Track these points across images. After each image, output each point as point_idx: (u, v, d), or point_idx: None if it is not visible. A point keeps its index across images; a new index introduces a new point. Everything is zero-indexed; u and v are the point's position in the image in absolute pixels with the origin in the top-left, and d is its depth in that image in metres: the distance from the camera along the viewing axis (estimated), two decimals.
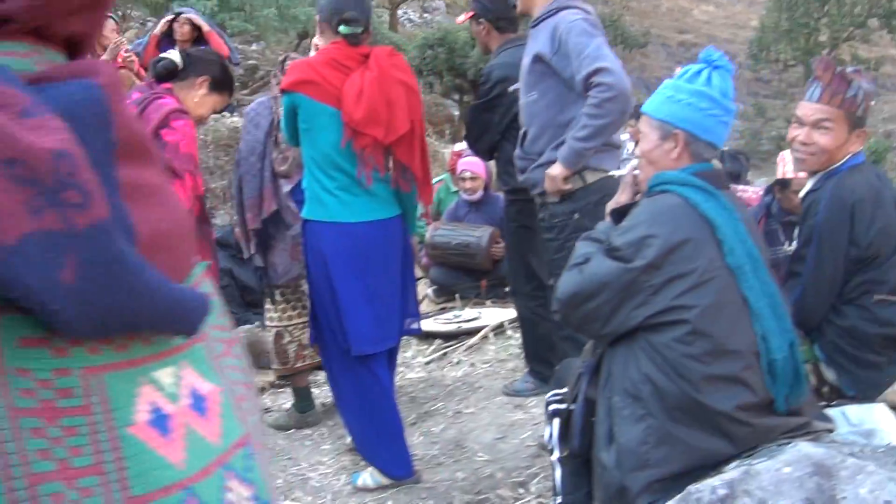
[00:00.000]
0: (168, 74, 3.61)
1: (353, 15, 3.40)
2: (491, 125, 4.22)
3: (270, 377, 4.80)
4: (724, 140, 2.54)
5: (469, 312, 5.71)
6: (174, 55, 3.67)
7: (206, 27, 6.55)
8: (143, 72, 6.52)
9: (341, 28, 3.38)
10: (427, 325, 5.43)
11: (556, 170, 3.38)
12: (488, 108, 4.23)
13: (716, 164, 2.62)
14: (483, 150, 4.44)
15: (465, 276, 5.99)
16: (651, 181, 2.49)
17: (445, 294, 6.09)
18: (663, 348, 2.23)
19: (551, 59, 3.43)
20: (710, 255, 2.28)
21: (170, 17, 6.72)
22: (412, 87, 3.53)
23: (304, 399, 4.39)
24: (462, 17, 4.53)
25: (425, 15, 17.14)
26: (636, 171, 2.61)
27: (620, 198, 2.66)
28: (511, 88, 4.02)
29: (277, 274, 4.16)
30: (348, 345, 3.45)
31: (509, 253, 4.45)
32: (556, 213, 3.52)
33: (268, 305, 4.32)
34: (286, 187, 4.12)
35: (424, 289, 6.21)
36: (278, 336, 4.27)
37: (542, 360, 4.22)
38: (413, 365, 5.11)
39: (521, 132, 3.70)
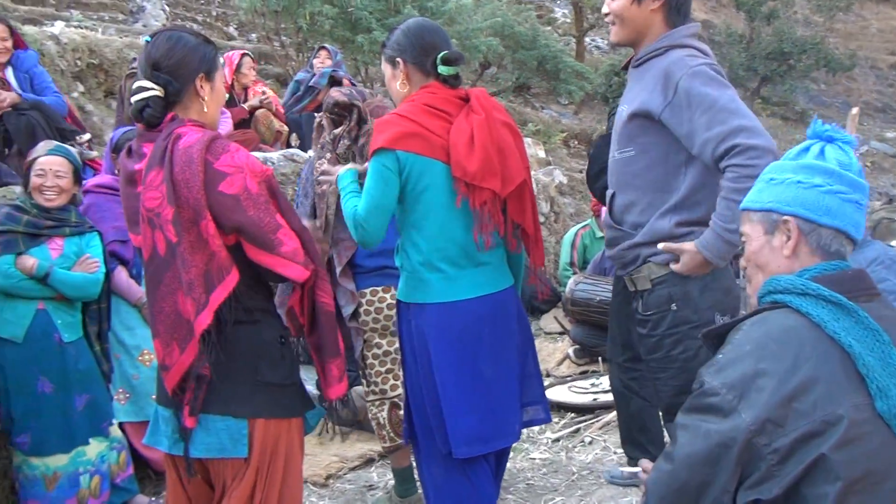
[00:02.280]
0: None
1: (454, 54, 2.80)
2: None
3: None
4: (860, 226, 1.75)
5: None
6: None
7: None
8: (281, 110, 6.16)
9: (442, 69, 2.77)
10: (560, 393, 4.70)
11: (694, 260, 2.58)
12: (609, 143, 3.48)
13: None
14: (599, 189, 3.63)
15: None
16: (761, 290, 1.75)
17: (588, 355, 5.30)
18: None
19: (661, 113, 2.63)
20: (854, 401, 1.54)
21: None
22: (516, 130, 2.88)
23: (404, 481, 3.75)
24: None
25: None
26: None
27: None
28: None
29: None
30: (448, 446, 2.78)
31: (611, 313, 3.65)
32: (650, 304, 2.74)
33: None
34: (338, 269, 3.54)
35: (566, 347, 5.45)
36: (368, 410, 3.68)
37: (634, 442, 3.43)
38: (539, 441, 4.36)
39: (609, 194, 2.91)
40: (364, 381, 3.64)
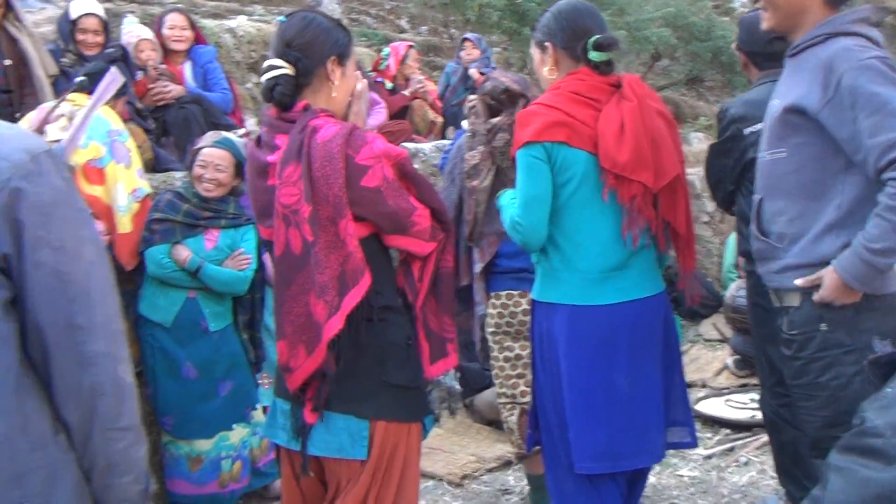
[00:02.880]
0: None
1: (607, 38, 2.54)
2: (725, 172, 3.09)
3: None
4: None
5: None
6: None
7: None
8: (438, 102, 6.06)
9: (593, 55, 2.52)
10: (715, 407, 4.35)
11: (833, 284, 2.23)
12: (723, 152, 3.11)
13: None
14: (720, 199, 3.31)
15: None
16: None
17: (749, 367, 4.87)
18: None
19: (819, 111, 2.25)
20: None
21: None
22: (671, 119, 2.61)
23: (539, 489, 3.52)
24: (734, 45, 3.40)
25: None
26: None
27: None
28: (748, 130, 2.94)
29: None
30: (570, 458, 2.55)
31: (752, 328, 3.24)
32: (795, 322, 2.36)
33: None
34: (477, 266, 3.33)
35: (725, 357, 5.04)
36: (522, 412, 3.47)
37: (789, 474, 3.07)
38: (689, 458, 4.02)
39: (756, 200, 2.53)
40: (496, 384, 3.45)
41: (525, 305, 3.27)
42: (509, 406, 3.40)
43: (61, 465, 1.42)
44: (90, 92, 3.62)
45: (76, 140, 3.41)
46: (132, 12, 6.50)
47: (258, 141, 2.17)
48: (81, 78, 3.83)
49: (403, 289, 2.18)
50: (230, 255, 3.61)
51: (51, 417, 1.42)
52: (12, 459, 1.36)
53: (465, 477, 3.89)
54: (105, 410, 1.45)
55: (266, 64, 2.10)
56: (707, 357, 5.32)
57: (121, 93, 3.92)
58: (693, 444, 2.76)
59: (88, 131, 3.51)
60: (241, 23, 7.76)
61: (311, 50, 2.10)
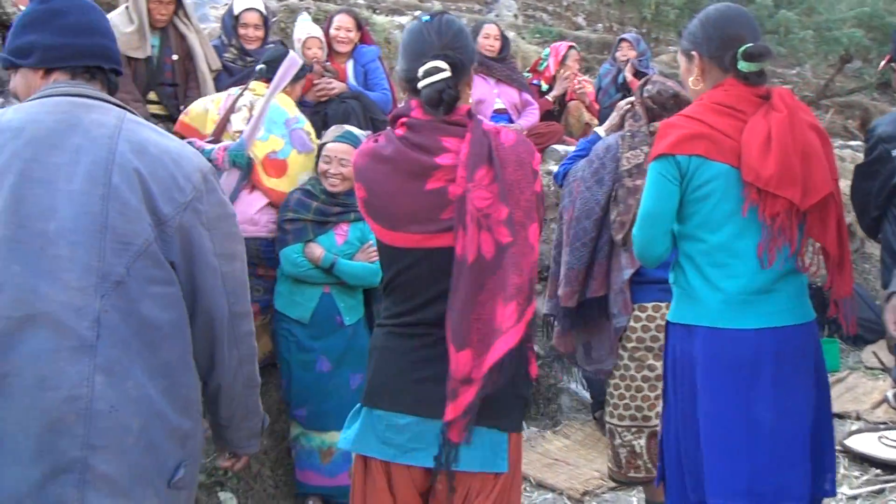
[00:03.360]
0: None
1: (759, 47, 2.35)
2: (870, 196, 2.79)
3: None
4: None
5: None
6: None
7: None
8: (596, 105, 5.91)
9: (742, 65, 2.34)
10: (866, 443, 4.03)
11: None
12: (868, 174, 2.81)
13: None
14: (865, 226, 3.05)
15: None
16: None
17: None
18: None
19: None
20: None
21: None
22: (825, 134, 2.41)
23: None
24: (882, 63, 3.08)
25: None
26: None
27: None
28: None
29: (590, 358, 3.25)
30: (699, 495, 2.40)
31: None
32: None
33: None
34: (627, 272, 3.17)
35: (886, 388, 4.64)
36: (611, 434, 3.36)
37: None
38: (834, 496, 3.71)
39: None
40: (615, 403, 3.32)
41: (658, 319, 3.15)
42: (634, 430, 3.27)
43: (200, 431, 1.81)
44: (269, 80, 3.79)
45: (256, 131, 3.57)
46: (308, 9, 6.77)
47: (411, 143, 2.02)
48: (261, 66, 3.97)
49: None
50: (360, 248, 3.67)
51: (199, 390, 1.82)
52: (177, 426, 1.72)
53: (585, 493, 3.80)
54: (248, 373, 1.92)
55: (430, 66, 1.98)
56: (866, 387, 4.91)
57: (299, 76, 4.03)
58: (832, 492, 2.52)
59: (267, 123, 3.65)
60: (405, 20, 7.91)
61: (466, 53, 2.06)
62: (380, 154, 2.04)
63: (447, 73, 1.97)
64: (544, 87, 5.95)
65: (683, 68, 2.53)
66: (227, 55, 4.62)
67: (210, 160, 3.41)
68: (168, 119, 4.44)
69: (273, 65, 3.85)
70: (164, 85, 4.45)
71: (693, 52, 2.46)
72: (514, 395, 2.03)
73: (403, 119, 2.04)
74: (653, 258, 2.47)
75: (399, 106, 2.15)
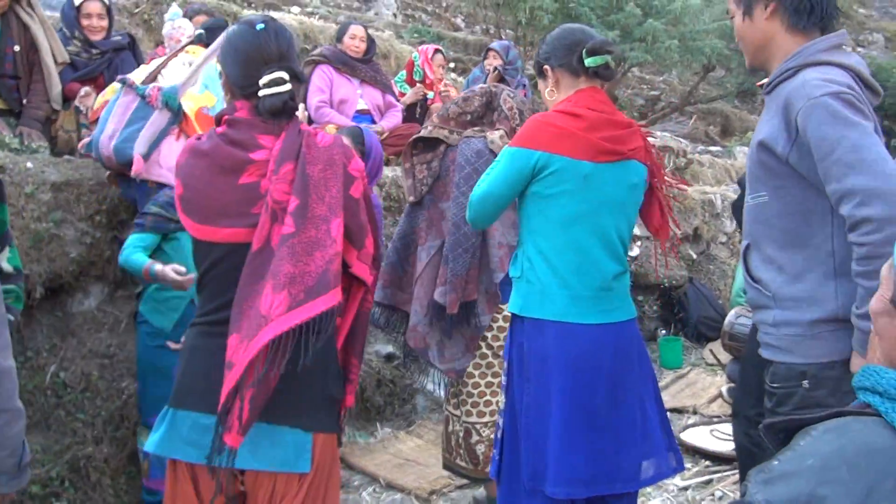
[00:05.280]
0: None
1: (598, 42, 2.54)
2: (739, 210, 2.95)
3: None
4: None
5: None
6: None
7: None
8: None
9: (589, 61, 2.52)
10: (698, 436, 4.20)
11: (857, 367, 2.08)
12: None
13: None
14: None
15: None
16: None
17: None
18: None
19: (787, 154, 2.09)
20: None
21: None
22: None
23: None
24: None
25: (859, 49, 14.61)
26: None
27: None
28: None
29: (443, 357, 3.29)
30: (537, 482, 2.46)
31: (743, 358, 3.04)
32: (778, 375, 2.19)
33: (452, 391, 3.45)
34: (499, 275, 3.22)
35: (721, 384, 4.86)
36: (467, 432, 3.40)
37: None
38: (664, 488, 3.88)
39: (743, 246, 2.34)
40: (474, 401, 3.36)
41: None
42: (492, 424, 3.31)
43: None
44: (206, 45, 3.77)
45: (192, 81, 3.49)
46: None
47: (229, 140, 2.03)
48: (200, 31, 3.94)
49: None
50: None
51: None
52: None
53: (433, 493, 3.82)
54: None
55: (276, 76, 1.99)
56: (705, 382, 5.14)
57: None
58: (679, 468, 2.66)
59: (205, 80, 3.57)
60: (283, 16, 7.79)
61: (297, 62, 2.11)
62: (199, 149, 2.05)
63: (289, 86, 2.01)
64: (430, 94, 5.94)
65: (541, 87, 2.66)
66: (70, 48, 4.40)
67: (143, 96, 3.42)
68: (9, 113, 4.22)
69: (212, 33, 3.80)
70: (5, 77, 4.20)
71: (545, 67, 2.61)
72: (322, 395, 2.03)
73: (226, 117, 2.07)
74: (481, 227, 2.78)
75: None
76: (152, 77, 3.59)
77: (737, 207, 3.22)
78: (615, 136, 2.49)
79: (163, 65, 3.66)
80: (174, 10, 5.17)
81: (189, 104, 3.51)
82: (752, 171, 2.26)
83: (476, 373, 3.34)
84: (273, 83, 2.00)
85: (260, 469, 1.98)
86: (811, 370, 2.11)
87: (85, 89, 4.17)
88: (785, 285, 2.16)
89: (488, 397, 3.34)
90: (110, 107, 3.51)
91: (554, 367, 2.45)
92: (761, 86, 2.40)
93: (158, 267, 3.09)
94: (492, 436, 3.31)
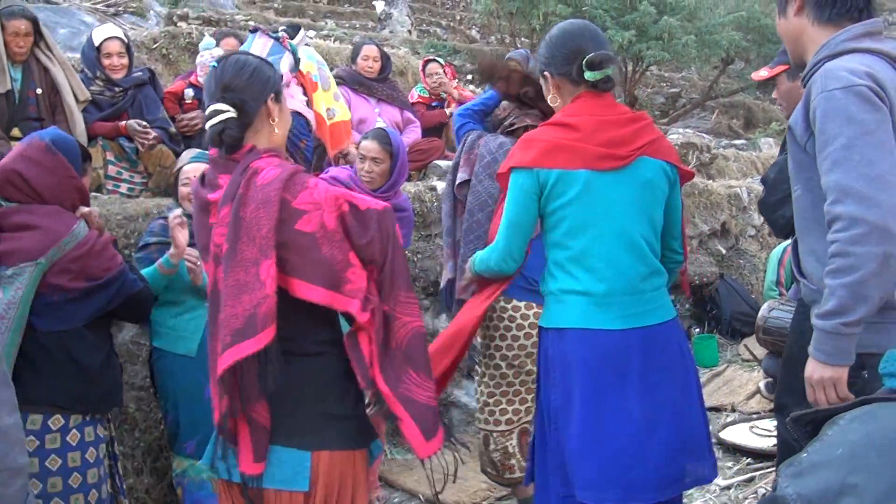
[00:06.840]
0: None
1: (599, 55, 2.44)
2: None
3: None
4: None
5: None
6: None
7: None
8: None
9: (588, 74, 2.44)
10: (738, 434, 4.13)
11: (814, 372, 2.07)
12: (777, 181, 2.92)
13: None
14: (780, 222, 3.03)
15: None
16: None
17: None
18: None
19: (805, 143, 2.08)
20: None
21: None
22: None
23: None
24: (768, 72, 3.18)
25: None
26: None
27: None
28: None
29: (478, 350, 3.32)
30: (565, 487, 2.44)
31: (787, 352, 2.96)
32: None
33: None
34: None
35: (759, 379, 4.79)
36: (485, 439, 3.38)
37: None
38: (707, 487, 3.81)
39: (793, 240, 2.35)
40: (490, 409, 3.32)
41: (532, 319, 3.18)
42: (507, 432, 3.30)
43: None
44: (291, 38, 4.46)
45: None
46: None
47: (202, 179, 2.15)
48: (283, 27, 4.53)
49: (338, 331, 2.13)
50: None
51: None
52: None
53: None
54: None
55: (210, 109, 2.08)
56: (742, 379, 5.06)
57: None
58: (713, 475, 2.59)
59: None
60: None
61: (251, 91, 2.10)
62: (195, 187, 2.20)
63: (228, 115, 2.05)
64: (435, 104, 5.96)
65: (544, 89, 2.60)
66: (93, 88, 4.48)
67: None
68: None
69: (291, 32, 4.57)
70: (30, 120, 4.29)
71: (545, 73, 2.54)
72: (321, 414, 2.04)
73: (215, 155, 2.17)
74: (516, 263, 2.56)
75: None
76: None
77: (764, 205, 3.16)
78: (617, 137, 2.44)
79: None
80: (208, 40, 5.25)
81: None
82: (790, 167, 2.26)
83: (491, 383, 3.31)
84: (210, 116, 2.08)
85: (265, 487, 2.03)
86: (871, 361, 2.06)
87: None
88: (814, 270, 2.15)
89: (504, 406, 3.31)
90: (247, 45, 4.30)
91: (575, 372, 2.42)
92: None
93: (169, 251, 3.21)
94: (506, 444, 3.30)
